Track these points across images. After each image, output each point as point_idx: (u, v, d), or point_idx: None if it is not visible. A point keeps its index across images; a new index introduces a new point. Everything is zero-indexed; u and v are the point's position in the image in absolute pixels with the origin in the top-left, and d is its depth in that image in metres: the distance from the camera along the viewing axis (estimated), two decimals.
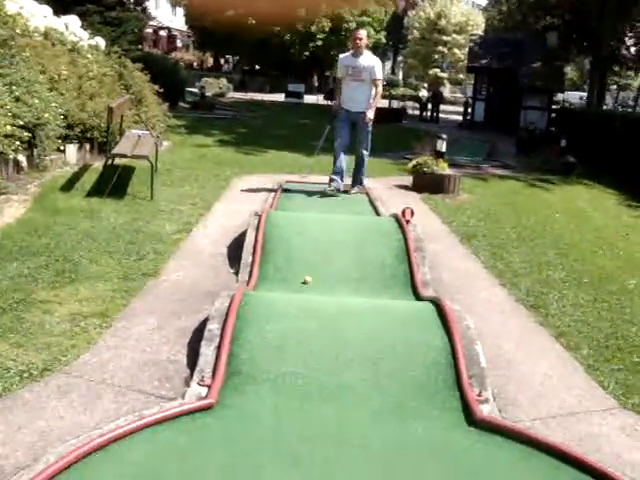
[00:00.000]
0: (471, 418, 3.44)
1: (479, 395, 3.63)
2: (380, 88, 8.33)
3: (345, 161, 8.36)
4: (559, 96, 26.12)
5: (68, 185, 8.04)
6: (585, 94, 24.37)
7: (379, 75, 8.20)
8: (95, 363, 3.94)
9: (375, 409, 3.46)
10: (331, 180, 8.31)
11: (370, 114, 8.16)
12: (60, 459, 2.91)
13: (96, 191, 7.79)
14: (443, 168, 9.78)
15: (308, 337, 3.92)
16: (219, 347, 3.77)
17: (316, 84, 38.30)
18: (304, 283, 3.12)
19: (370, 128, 8.32)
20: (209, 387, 3.50)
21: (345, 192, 8.38)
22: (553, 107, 24.33)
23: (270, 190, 8.46)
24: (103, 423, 3.30)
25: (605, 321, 5.38)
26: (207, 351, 3.80)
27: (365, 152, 8.47)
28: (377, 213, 7.43)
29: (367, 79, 8.13)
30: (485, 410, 3.52)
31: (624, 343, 4.96)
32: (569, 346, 4.80)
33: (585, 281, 6.39)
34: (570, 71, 31.28)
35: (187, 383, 3.68)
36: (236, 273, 5.41)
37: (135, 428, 3.14)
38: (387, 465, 3.05)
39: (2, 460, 3.03)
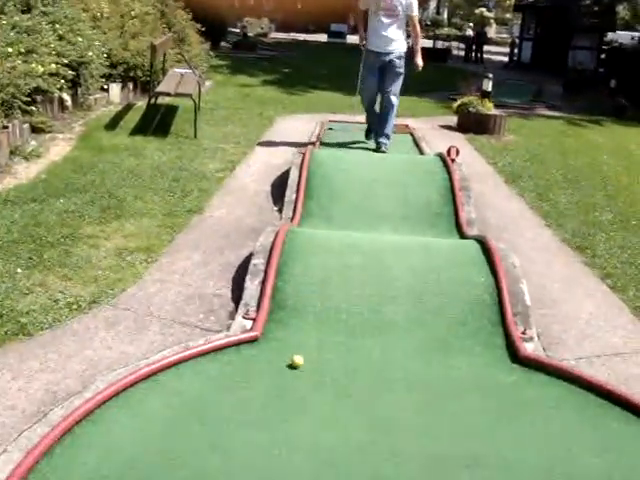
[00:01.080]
0: (515, 355, 3.41)
1: (523, 333, 3.61)
2: (419, 27, 7.30)
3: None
4: (610, 36, 25.27)
5: (112, 124, 8.07)
6: (638, 34, 23.56)
7: (416, 11, 7.11)
8: (141, 296, 3.99)
9: (418, 344, 3.46)
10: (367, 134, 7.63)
11: (419, 60, 7.22)
12: (109, 386, 2.97)
13: (140, 130, 7.81)
14: (489, 108, 9.59)
15: (352, 272, 3.92)
16: (264, 281, 3.79)
17: (352, 23, 37.67)
18: (293, 367, 2.79)
19: (403, 70, 7.19)
20: (254, 320, 3.53)
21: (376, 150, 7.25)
22: (603, 47, 23.56)
23: (313, 129, 8.38)
24: (150, 354, 3.35)
25: None
26: (252, 285, 3.82)
27: (395, 99, 7.23)
28: (421, 153, 7.33)
29: (401, 15, 7.01)
30: (529, 348, 3.51)
31: None
32: (615, 287, 4.73)
33: (634, 223, 6.26)
34: (622, 10, 30.14)
35: (232, 316, 3.72)
36: (280, 210, 5.41)
37: (181, 358, 3.19)
38: (430, 399, 3.07)
39: (54, 386, 3.10)
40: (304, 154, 5.99)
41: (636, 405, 3.08)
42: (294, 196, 5.36)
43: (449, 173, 5.83)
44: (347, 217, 5.07)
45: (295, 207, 5.16)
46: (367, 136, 7.64)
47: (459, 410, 3.00)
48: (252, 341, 3.37)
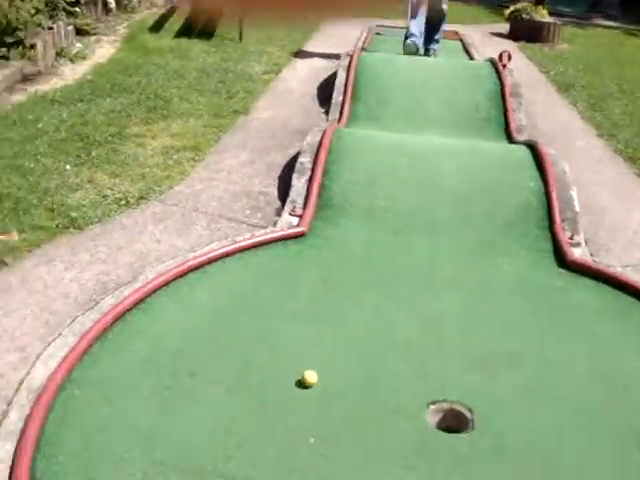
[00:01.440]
0: (562, 260, 3.38)
1: (571, 238, 3.57)
2: None
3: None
4: None
5: (156, 26, 7.99)
6: None
7: None
8: (188, 193, 4.02)
9: (465, 245, 3.46)
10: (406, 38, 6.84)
11: None
12: (158, 276, 3.02)
13: (184, 32, 7.73)
14: (543, 15, 9.24)
15: (399, 173, 3.89)
16: (310, 179, 3.79)
17: None
18: (304, 385, 2.48)
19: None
20: (300, 217, 3.54)
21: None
22: None
23: (361, 33, 8.19)
24: (197, 247, 3.40)
25: None
26: (298, 183, 3.82)
27: (444, 5, 7.09)
28: (471, 59, 7.14)
29: None
30: (577, 253, 3.47)
31: None
32: None
33: None
34: None
35: (278, 213, 3.73)
36: (326, 112, 5.36)
37: (229, 252, 3.23)
38: (475, 298, 3.07)
39: (105, 277, 3.17)
40: (352, 56, 5.88)
41: None
42: (341, 98, 5.29)
43: (500, 78, 5.68)
44: (394, 120, 5.00)
45: (342, 109, 5.10)
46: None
47: (504, 310, 3.00)
48: (299, 236, 3.38)
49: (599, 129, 5.93)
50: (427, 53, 7.06)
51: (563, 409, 2.45)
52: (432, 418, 2.40)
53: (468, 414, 2.40)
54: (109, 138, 4.66)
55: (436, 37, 7.12)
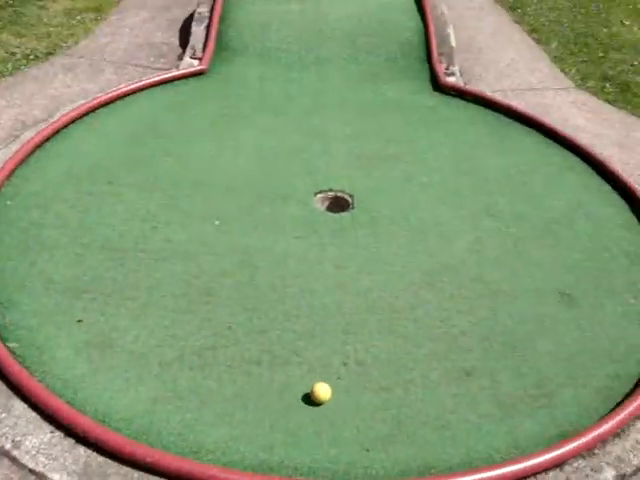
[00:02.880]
0: (437, 85, 3.83)
1: (447, 69, 4.00)
2: None
3: None
4: None
5: None
6: None
7: None
8: (94, 47, 4.26)
9: (351, 77, 3.85)
10: None
11: None
12: (72, 111, 3.33)
13: None
14: None
15: (291, 17, 4.21)
16: (208, 26, 4.08)
17: None
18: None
19: None
20: (200, 59, 3.86)
21: None
22: None
23: None
24: (107, 89, 3.68)
25: (579, 23, 5.59)
26: (198, 30, 4.12)
27: None
28: None
29: None
30: (451, 80, 3.91)
31: (593, 41, 5.22)
32: (540, 40, 5.08)
33: None
34: None
35: (180, 57, 4.03)
36: None
37: (136, 88, 3.55)
38: (360, 115, 3.50)
39: (22, 116, 3.44)
40: None
41: (536, 121, 3.55)
42: None
43: None
44: None
45: None
46: None
47: (384, 123, 3.45)
48: (200, 74, 3.71)
49: None
50: None
51: (431, 191, 2.95)
52: (319, 203, 2.84)
53: (349, 199, 2.85)
54: (10, 1, 4.78)
55: None
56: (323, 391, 2.00)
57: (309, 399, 1.98)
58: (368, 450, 1.85)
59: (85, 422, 1.83)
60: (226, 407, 1.94)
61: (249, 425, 1.89)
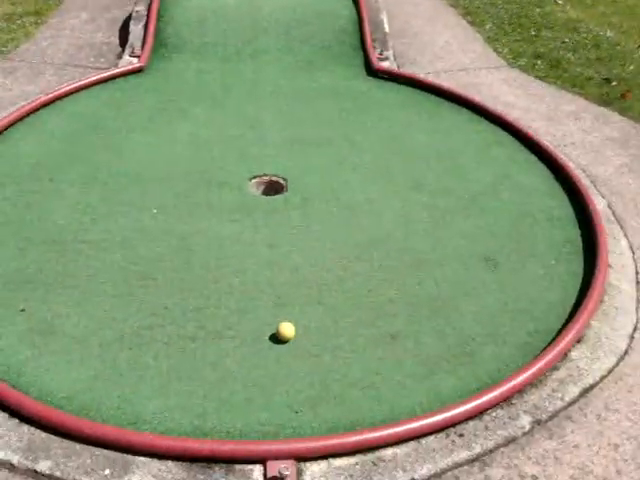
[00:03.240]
0: (371, 70, 3.96)
1: (380, 54, 4.13)
2: None
3: None
4: None
5: None
6: None
7: None
8: (35, 49, 4.33)
9: (287, 66, 3.98)
10: None
11: None
12: (13, 112, 3.41)
13: None
14: None
15: (227, 12, 4.32)
16: (146, 24, 4.17)
17: None
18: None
19: None
20: (139, 57, 3.95)
21: None
22: None
23: None
24: (48, 90, 3.76)
25: (513, 4, 5.77)
26: (136, 28, 4.21)
27: None
28: None
29: None
30: (385, 65, 4.04)
31: (526, 21, 5.40)
32: (474, 22, 5.25)
33: None
34: None
35: (120, 56, 4.12)
36: None
37: (76, 87, 3.64)
38: (294, 102, 3.63)
39: None
40: None
41: (466, 99, 3.70)
42: None
43: None
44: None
45: None
46: None
47: (318, 109, 3.58)
48: (138, 71, 3.81)
49: None
50: None
51: (363, 171, 3.09)
52: (254, 188, 2.96)
53: (283, 182, 2.98)
54: None
55: None
56: (288, 329, 2.21)
57: (241, 369, 2.09)
58: (297, 412, 1.97)
59: (28, 402, 1.93)
60: (162, 381, 2.05)
61: (183, 396, 2.01)
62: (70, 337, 2.19)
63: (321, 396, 2.03)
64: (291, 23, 4.21)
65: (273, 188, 2.95)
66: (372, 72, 3.95)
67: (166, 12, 4.22)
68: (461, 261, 2.60)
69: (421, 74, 4.12)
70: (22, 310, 2.28)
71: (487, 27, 5.15)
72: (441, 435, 1.94)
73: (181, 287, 2.40)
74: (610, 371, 2.20)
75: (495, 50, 4.73)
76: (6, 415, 1.96)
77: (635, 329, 2.38)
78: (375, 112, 3.57)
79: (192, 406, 1.98)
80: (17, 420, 1.95)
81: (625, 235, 2.85)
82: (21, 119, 3.39)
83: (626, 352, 2.28)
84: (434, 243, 2.68)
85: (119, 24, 4.65)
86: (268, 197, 2.90)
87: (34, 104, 3.45)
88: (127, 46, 4.09)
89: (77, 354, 2.14)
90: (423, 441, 1.92)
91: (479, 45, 4.80)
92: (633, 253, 2.75)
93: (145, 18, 4.20)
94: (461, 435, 1.95)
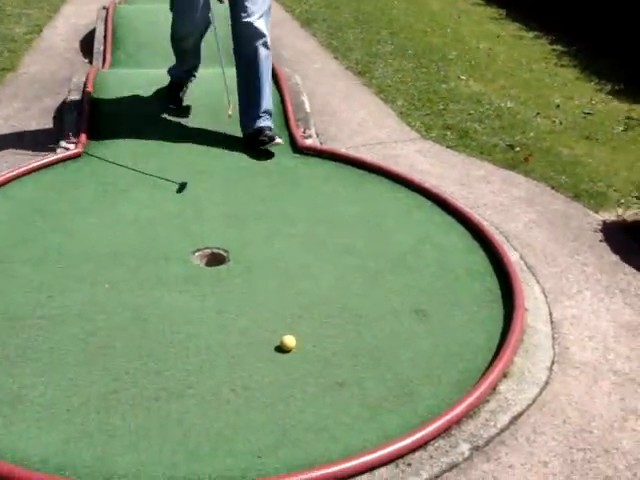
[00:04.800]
0: (296, 147, 4.28)
1: (303, 132, 4.47)
2: None
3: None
4: None
5: None
6: None
7: None
8: None
9: (217, 147, 4.24)
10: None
11: None
12: None
13: None
14: None
15: (156, 99, 4.60)
16: (80, 112, 4.40)
17: None
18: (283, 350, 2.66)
19: None
20: (75, 143, 4.16)
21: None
22: None
23: None
24: None
25: (422, 81, 6.24)
26: (70, 117, 4.43)
27: (264, 50, 4.17)
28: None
29: None
30: (308, 142, 4.37)
31: (434, 96, 5.85)
32: (387, 99, 5.67)
33: (410, 53, 7.17)
34: None
35: (56, 143, 4.32)
36: (90, 62, 5.89)
37: (18, 174, 3.82)
38: (227, 181, 3.90)
39: None
40: (108, 8, 6.41)
41: (385, 170, 4.04)
42: (102, 47, 5.84)
43: None
44: (155, 62, 5.63)
45: (104, 57, 5.66)
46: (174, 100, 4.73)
47: (249, 185, 3.84)
48: (76, 157, 4.02)
49: (335, 53, 6.92)
50: (264, 139, 4.21)
51: (296, 236, 3.39)
52: (197, 260, 3.19)
53: (225, 254, 3.21)
54: None
55: (265, 104, 4.25)
56: (289, 340, 2.60)
57: (204, 423, 2.28)
58: (260, 457, 2.17)
59: (6, 467, 2.06)
60: (131, 439, 2.21)
61: (153, 451, 2.17)
62: (38, 405, 2.34)
63: (280, 441, 2.23)
64: (219, 109, 4.49)
65: (216, 259, 3.17)
66: (297, 149, 4.25)
67: (99, 101, 4.46)
68: (395, 315, 2.87)
69: (342, 149, 4.46)
70: None
71: (399, 103, 5.56)
72: (391, 466, 2.17)
73: (140, 353, 2.58)
74: (534, 400, 2.48)
75: (408, 124, 5.12)
76: None
77: (553, 362, 2.68)
78: (303, 186, 3.86)
79: (162, 459, 2.14)
80: None
81: (537, 282, 3.19)
82: None
83: (547, 382, 2.57)
84: (369, 300, 2.94)
85: (52, 112, 4.85)
86: (212, 268, 3.11)
87: None
88: (63, 133, 4.29)
89: (47, 420, 2.28)
90: (376, 472, 2.14)
91: (393, 120, 5.19)
92: (546, 297, 3.08)
93: (79, 106, 4.41)
94: (409, 464, 2.17)
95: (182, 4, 4.13)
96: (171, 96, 4.67)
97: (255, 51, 4.06)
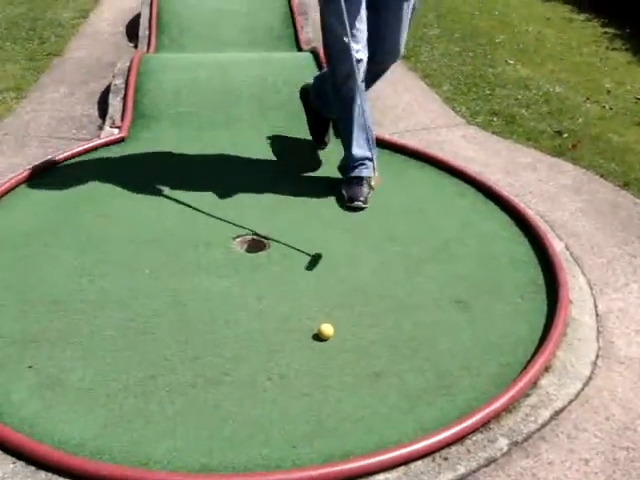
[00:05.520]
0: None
1: None
2: None
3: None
4: None
5: None
6: None
7: None
8: (18, 123, 4.54)
9: (261, 134, 4.23)
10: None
11: None
12: (3, 184, 3.60)
13: None
14: None
15: (200, 83, 4.59)
16: (125, 97, 4.42)
17: None
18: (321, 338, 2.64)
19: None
20: (119, 128, 4.19)
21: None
22: None
23: None
24: (34, 161, 3.96)
25: (468, 65, 6.13)
26: (114, 101, 4.46)
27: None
28: None
29: None
30: None
31: (481, 81, 5.75)
32: (432, 84, 5.59)
33: (457, 36, 7.06)
34: None
35: (101, 128, 4.35)
36: (135, 46, 5.92)
37: (63, 158, 3.85)
38: (272, 171, 3.87)
39: None
40: None
41: (429, 156, 3.98)
42: (147, 32, 5.86)
43: (289, 1, 6.44)
44: (197, 46, 5.64)
45: (149, 41, 5.69)
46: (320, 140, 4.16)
47: (292, 172, 3.82)
48: (120, 142, 4.04)
49: None
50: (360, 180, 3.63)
51: (338, 222, 3.38)
52: (238, 246, 3.18)
53: (266, 240, 3.20)
54: None
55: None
56: (327, 328, 2.59)
57: (240, 410, 2.27)
58: (295, 447, 2.16)
59: (43, 450, 2.08)
60: (168, 425, 2.22)
61: (189, 437, 2.17)
62: (77, 389, 2.36)
63: (316, 431, 2.22)
64: (263, 92, 4.49)
65: (256, 246, 3.16)
66: None
67: (143, 86, 4.47)
68: (435, 304, 2.83)
69: (386, 135, 4.40)
70: (30, 367, 2.44)
71: (445, 88, 5.47)
72: (427, 459, 2.13)
73: (178, 339, 2.58)
74: (577, 395, 2.42)
75: (453, 109, 5.04)
76: (23, 463, 2.11)
77: (597, 356, 2.61)
78: None
79: (198, 446, 2.14)
80: (34, 468, 2.10)
81: (583, 273, 3.11)
82: (12, 189, 3.56)
83: (590, 377, 2.50)
84: (409, 289, 2.91)
85: (98, 97, 4.89)
86: (252, 254, 3.10)
87: (24, 174, 3.64)
88: (107, 118, 4.32)
89: (85, 404, 2.30)
90: (412, 465, 2.11)
91: (438, 105, 5.12)
92: (591, 289, 3.00)
93: (123, 91, 4.44)
94: (446, 459, 2.14)
95: (336, 42, 3.25)
96: (314, 133, 4.15)
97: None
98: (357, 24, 3.21)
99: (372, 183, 3.22)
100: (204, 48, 5.63)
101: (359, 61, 3.21)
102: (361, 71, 3.26)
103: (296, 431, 2.21)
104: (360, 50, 3.23)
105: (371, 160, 3.36)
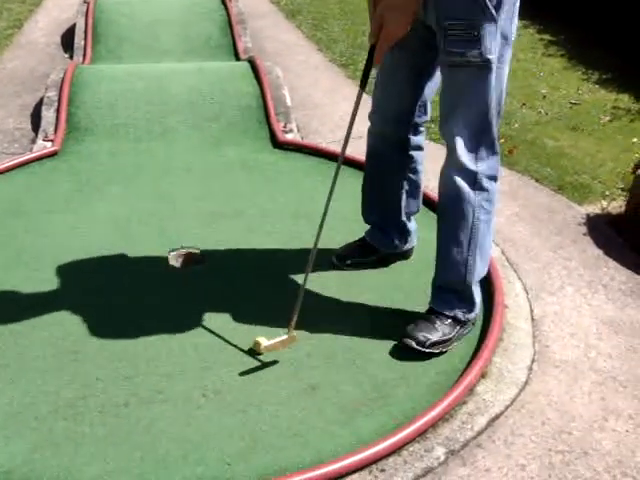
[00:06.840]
0: (276, 142, 4.22)
1: (284, 127, 4.40)
2: None
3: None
4: None
5: None
6: None
7: None
8: None
9: (195, 144, 4.19)
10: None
11: None
12: None
13: None
14: None
15: (136, 94, 4.52)
16: (58, 109, 4.33)
17: None
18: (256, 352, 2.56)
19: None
20: (52, 141, 4.09)
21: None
22: None
23: None
24: None
25: None
26: (48, 114, 4.36)
27: (470, 161, 2.60)
28: None
29: None
30: (289, 137, 4.30)
31: None
32: (371, 91, 5.58)
33: None
34: None
35: (33, 141, 4.25)
36: (70, 57, 5.81)
37: None
38: (205, 177, 3.83)
39: None
40: (89, 2, 6.33)
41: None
42: (82, 42, 5.76)
43: (226, 9, 6.40)
44: (134, 56, 5.57)
45: (85, 52, 5.59)
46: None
47: (228, 181, 3.79)
48: (52, 155, 3.95)
49: (319, 45, 6.85)
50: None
51: (274, 233, 3.35)
52: (173, 260, 3.13)
53: (201, 253, 3.16)
54: None
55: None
56: (262, 341, 2.51)
57: (174, 429, 2.23)
58: (230, 464, 2.12)
59: None
60: (99, 447, 2.16)
61: (121, 459, 2.12)
62: (4, 413, 2.28)
63: (251, 447, 2.18)
64: (198, 102, 4.45)
65: (192, 259, 3.12)
66: (278, 144, 4.19)
67: (77, 97, 4.39)
68: (370, 313, 2.81)
69: (323, 143, 4.39)
70: None
71: None
72: (364, 472, 2.12)
73: (110, 358, 2.53)
74: (513, 400, 2.43)
75: None
76: None
77: (533, 361, 2.64)
78: (283, 182, 3.80)
79: (130, 468, 2.09)
80: None
81: (519, 278, 3.13)
82: None
83: (526, 382, 2.52)
84: (346, 299, 2.88)
85: (30, 109, 4.78)
86: (188, 267, 3.06)
87: None
88: (40, 131, 4.23)
89: (13, 429, 2.23)
90: (348, 479, 2.09)
91: None
92: (527, 293, 3.03)
93: (56, 103, 4.34)
94: (383, 470, 2.13)
95: None
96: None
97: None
98: None
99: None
100: (142, 58, 5.56)
101: None
102: None
103: (231, 448, 2.17)
104: None
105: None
